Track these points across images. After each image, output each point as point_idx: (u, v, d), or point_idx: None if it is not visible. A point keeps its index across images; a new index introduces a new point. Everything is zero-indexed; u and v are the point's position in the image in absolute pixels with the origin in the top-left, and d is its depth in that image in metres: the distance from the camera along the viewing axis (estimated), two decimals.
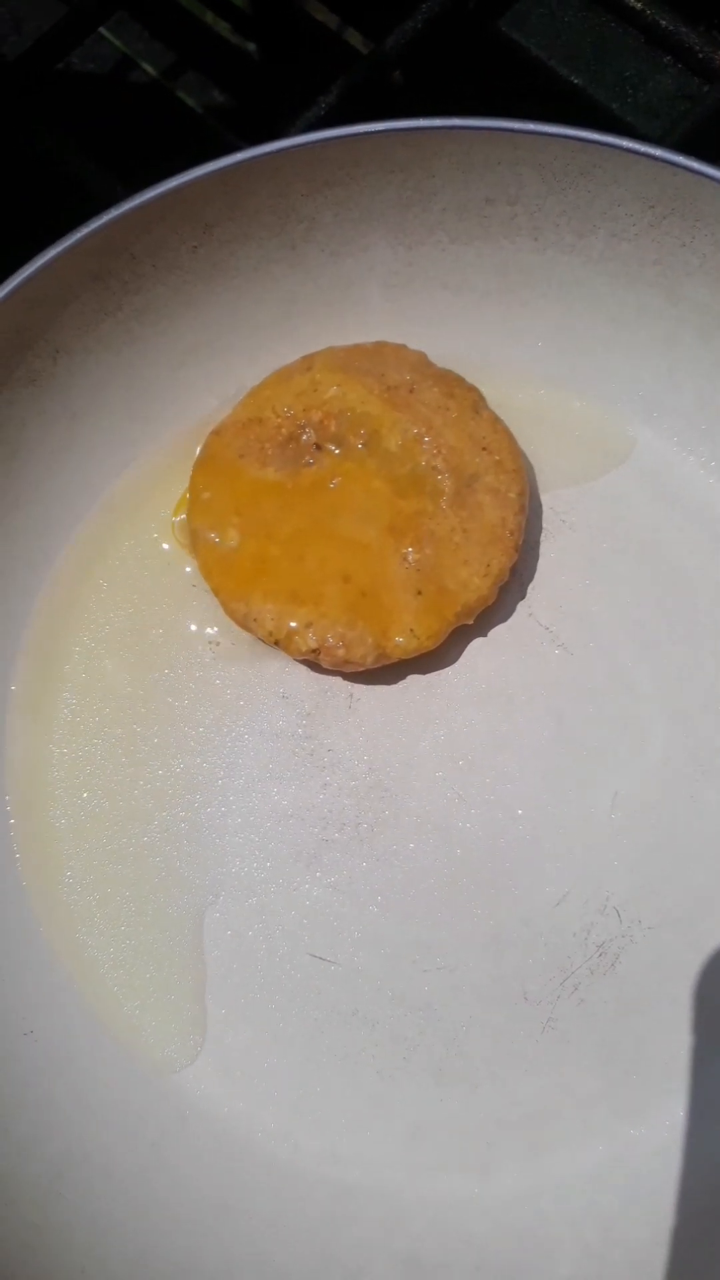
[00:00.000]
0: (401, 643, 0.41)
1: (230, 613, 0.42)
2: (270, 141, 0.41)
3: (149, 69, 0.78)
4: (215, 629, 0.44)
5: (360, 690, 0.44)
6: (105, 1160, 0.40)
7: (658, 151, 0.40)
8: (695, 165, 0.39)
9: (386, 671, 0.43)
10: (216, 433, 0.44)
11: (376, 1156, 0.40)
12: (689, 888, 0.41)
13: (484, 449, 0.43)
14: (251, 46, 0.77)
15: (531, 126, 0.40)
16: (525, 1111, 0.40)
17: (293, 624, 0.41)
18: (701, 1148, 0.39)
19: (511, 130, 0.40)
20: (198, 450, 0.44)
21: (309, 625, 0.41)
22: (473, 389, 0.44)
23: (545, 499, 0.44)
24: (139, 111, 0.75)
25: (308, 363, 0.44)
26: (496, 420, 0.43)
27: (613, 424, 0.45)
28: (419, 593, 0.41)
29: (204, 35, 0.76)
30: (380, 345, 0.44)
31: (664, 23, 0.50)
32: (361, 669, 0.42)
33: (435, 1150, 0.40)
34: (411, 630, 0.41)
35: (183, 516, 0.44)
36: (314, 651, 0.41)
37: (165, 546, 0.44)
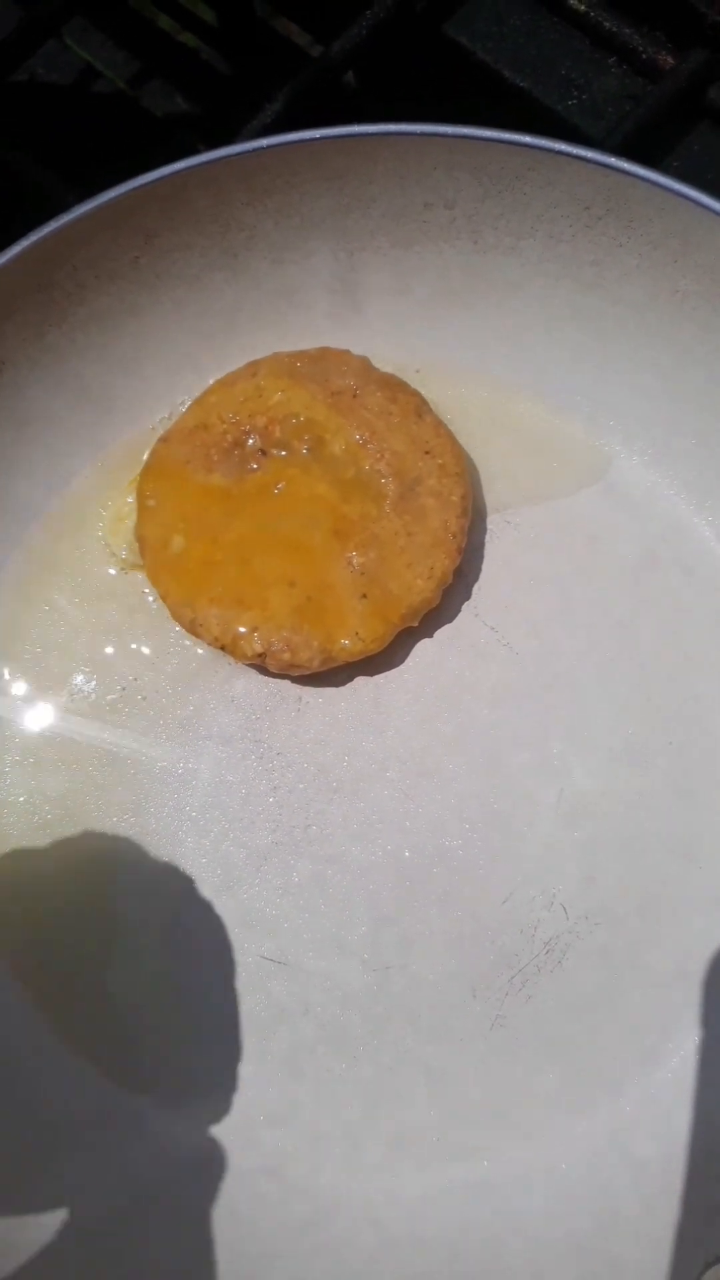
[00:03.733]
0: (347, 646, 0.42)
1: (177, 618, 0.43)
2: (207, 151, 0.41)
3: (113, 78, 0.78)
4: (163, 634, 0.44)
5: (308, 693, 0.44)
6: (55, 1168, 0.40)
7: (590, 154, 0.40)
8: (627, 166, 0.40)
9: (334, 674, 0.43)
10: (163, 440, 0.44)
11: (324, 1155, 0.40)
12: (634, 883, 0.41)
13: (427, 453, 0.43)
14: (208, 53, 0.78)
15: (465, 131, 0.41)
16: (473, 1109, 0.41)
17: (239, 629, 0.42)
18: (648, 1144, 0.40)
19: (445, 135, 0.41)
20: (145, 458, 0.45)
21: (255, 630, 0.42)
22: (415, 393, 0.44)
23: (490, 501, 0.45)
24: (103, 121, 0.75)
25: (253, 369, 0.44)
26: (439, 424, 0.43)
27: (559, 426, 0.45)
28: (363, 596, 0.42)
29: (167, 44, 0.77)
30: (324, 351, 0.44)
31: (608, 24, 0.50)
32: (308, 672, 0.42)
33: (383, 1148, 0.40)
34: (357, 633, 0.42)
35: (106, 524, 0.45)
36: (260, 655, 0.42)
37: (112, 553, 0.45)
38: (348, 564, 0.42)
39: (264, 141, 0.41)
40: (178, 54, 0.78)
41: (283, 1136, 0.41)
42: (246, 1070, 0.41)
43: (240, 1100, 0.41)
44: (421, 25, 0.53)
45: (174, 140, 0.76)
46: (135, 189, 0.41)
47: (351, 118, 0.42)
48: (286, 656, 0.41)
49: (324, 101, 0.51)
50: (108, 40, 0.79)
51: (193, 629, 0.42)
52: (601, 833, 0.42)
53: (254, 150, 0.41)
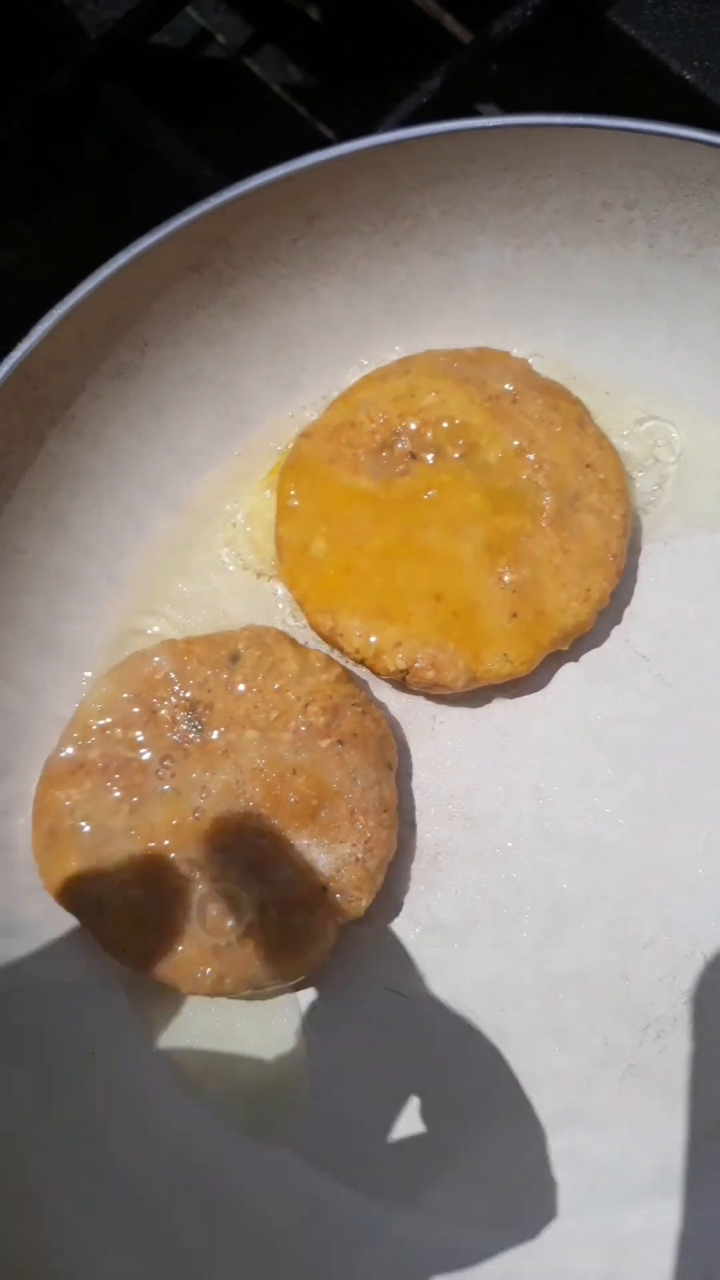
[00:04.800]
0: (494, 668, 0.39)
1: (315, 626, 0.40)
2: (379, 133, 0.39)
3: (225, 42, 0.75)
4: (297, 638, 0.42)
5: (443, 711, 0.42)
6: (158, 1193, 0.38)
7: None
8: None
9: (472, 693, 0.41)
10: (306, 435, 0.42)
11: (440, 1202, 0.38)
12: None
13: (588, 466, 0.41)
14: (323, 20, 0.75)
15: (660, 128, 0.38)
16: (599, 1161, 0.39)
17: (381, 642, 0.39)
18: None
19: (640, 131, 0.38)
20: (285, 452, 0.42)
21: (398, 645, 0.39)
22: (577, 402, 0.41)
23: (647, 522, 0.42)
24: (215, 86, 0.72)
25: (405, 365, 0.42)
26: (602, 437, 0.41)
27: None
28: (514, 615, 0.39)
29: (282, 9, 0.74)
30: (482, 351, 0.42)
31: None
32: (450, 692, 0.40)
33: (501, 1198, 0.38)
34: (505, 655, 0.39)
35: (240, 519, 0.43)
36: (402, 672, 0.39)
37: (247, 554, 0.42)
38: (499, 580, 0.40)
39: (444, 126, 0.39)
40: (292, 20, 0.75)
41: (394, 1180, 0.39)
42: (361, 1105, 0.39)
43: (354, 1139, 0.39)
44: (584, 9, 0.50)
45: (284, 111, 0.73)
46: (305, 168, 0.38)
47: (498, 105, 0.40)
48: (430, 675, 0.39)
49: (468, 88, 0.49)
50: (221, 3, 0.76)
51: (331, 639, 0.40)
52: None
53: (433, 135, 0.39)
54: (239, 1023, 0.40)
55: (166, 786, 0.38)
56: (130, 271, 0.38)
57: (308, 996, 0.40)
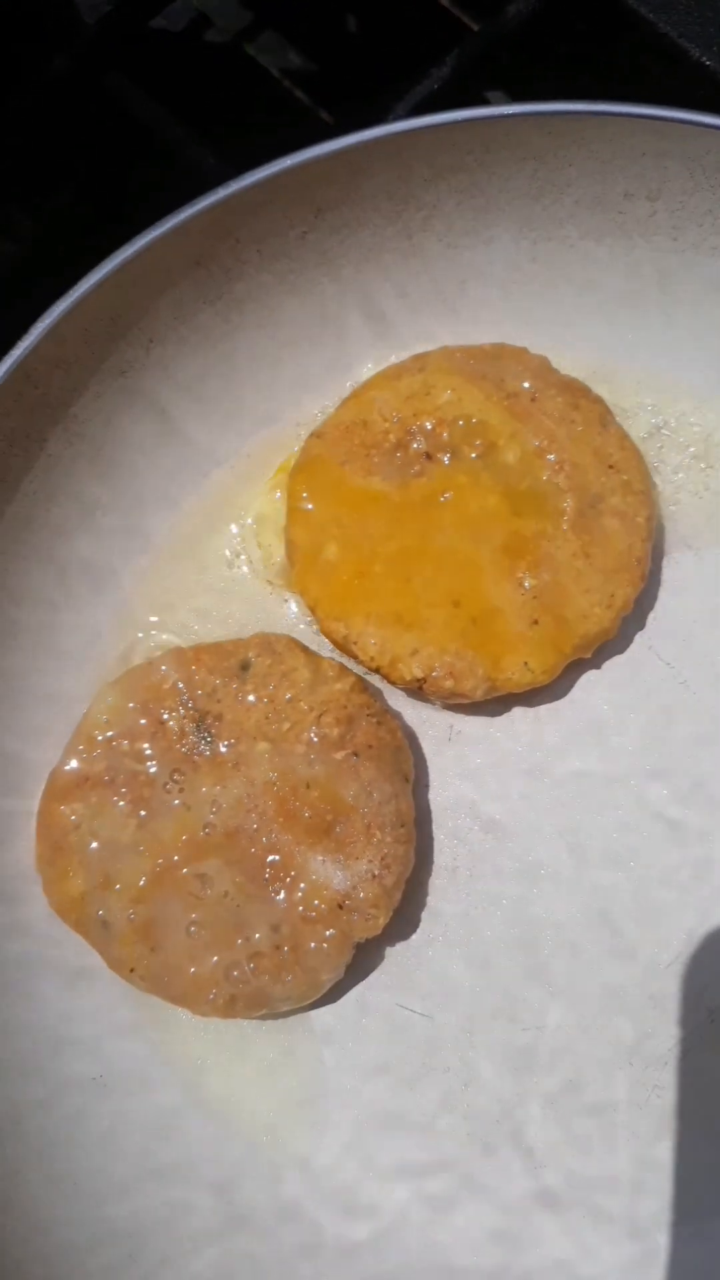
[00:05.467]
0: (514, 677, 0.38)
1: (328, 633, 0.39)
2: (390, 121, 0.37)
3: (224, 27, 0.73)
4: (309, 645, 0.40)
5: (461, 721, 0.40)
6: (170, 1216, 0.37)
7: None
8: None
9: (490, 702, 0.40)
10: (318, 435, 0.40)
11: (454, 1221, 0.37)
12: None
13: (610, 467, 0.39)
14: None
15: (686, 115, 0.37)
16: (619, 1185, 0.37)
17: (397, 651, 0.38)
18: None
19: (663, 119, 0.37)
20: (295, 452, 0.41)
21: (414, 653, 0.38)
22: (599, 400, 0.40)
23: (670, 524, 0.41)
24: (213, 72, 0.71)
25: (420, 363, 0.40)
26: (625, 436, 0.40)
27: None
28: (535, 622, 0.38)
29: None
30: (500, 347, 0.41)
31: None
32: (468, 701, 0.39)
33: (520, 1227, 0.37)
34: (526, 663, 0.38)
35: (249, 522, 0.41)
36: (419, 681, 0.38)
37: (257, 558, 0.41)
38: (518, 586, 0.38)
39: (462, 114, 0.37)
40: (293, 4, 0.73)
41: (414, 1206, 0.38)
42: (380, 1126, 0.38)
43: (373, 1161, 0.38)
44: None
45: (284, 97, 0.71)
46: (315, 158, 0.37)
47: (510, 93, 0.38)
48: (448, 684, 0.38)
49: (478, 75, 0.47)
50: None
51: (344, 646, 0.39)
52: None
53: (447, 124, 0.37)
54: (251, 1043, 0.38)
55: (176, 800, 0.37)
56: (134, 266, 0.37)
57: (322, 1016, 0.39)
